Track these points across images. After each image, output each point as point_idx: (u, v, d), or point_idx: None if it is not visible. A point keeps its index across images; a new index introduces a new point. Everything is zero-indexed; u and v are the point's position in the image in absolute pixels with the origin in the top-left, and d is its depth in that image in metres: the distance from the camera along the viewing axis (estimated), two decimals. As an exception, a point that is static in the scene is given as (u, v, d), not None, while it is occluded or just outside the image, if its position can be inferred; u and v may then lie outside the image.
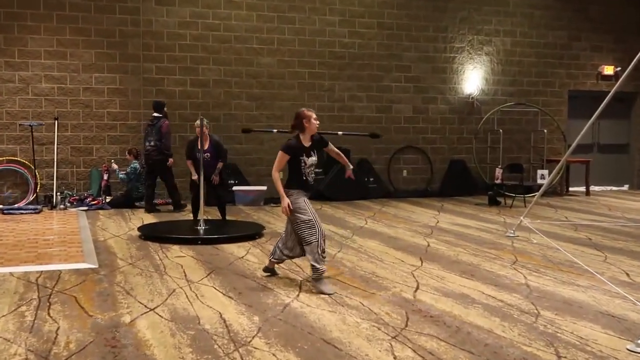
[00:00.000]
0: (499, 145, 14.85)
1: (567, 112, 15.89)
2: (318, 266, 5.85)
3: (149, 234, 8.70)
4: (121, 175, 11.85)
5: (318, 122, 6.04)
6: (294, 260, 7.37)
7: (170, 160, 11.35)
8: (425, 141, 14.72)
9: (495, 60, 15.21)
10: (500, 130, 14.82)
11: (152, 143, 11.23)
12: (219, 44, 13.13)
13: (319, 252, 5.89)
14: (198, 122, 9.46)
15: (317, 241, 5.86)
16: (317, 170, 13.39)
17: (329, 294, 5.75)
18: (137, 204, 11.80)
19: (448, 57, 14.81)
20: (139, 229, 9.06)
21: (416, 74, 14.56)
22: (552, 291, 6.10)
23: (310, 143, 6.07)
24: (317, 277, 5.90)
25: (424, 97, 14.65)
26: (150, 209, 11.30)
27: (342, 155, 6.41)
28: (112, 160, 12.29)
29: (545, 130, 15.27)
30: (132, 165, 11.86)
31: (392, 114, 14.46)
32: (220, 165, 9.61)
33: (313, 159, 6.04)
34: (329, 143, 6.31)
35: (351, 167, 6.47)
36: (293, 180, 6.02)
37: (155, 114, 11.36)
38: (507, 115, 15.31)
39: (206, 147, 9.50)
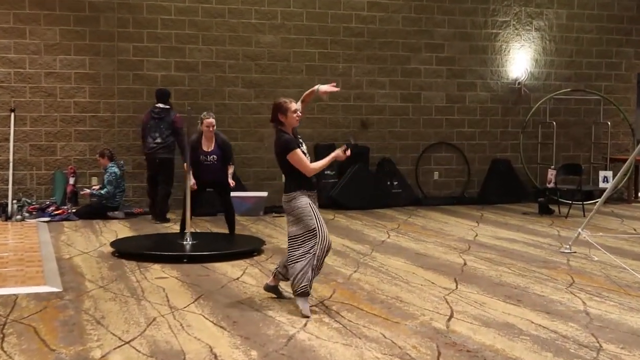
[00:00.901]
0: (551, 142, 14.80)
1: (637, 100, 15.83)
2: (304, 284, 6.06)
3: (124, 250, 8.70)
4: (100, 193, 11.78)
5: (299, 116, 6.23)
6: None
7: (185, 166, 10.07)
8: (462, 137, 14.69)
9: (548, 37, 15.18)
10: (554, 123, 14.78)
11: (158, 139, 11.38)
12: (210, 18, 13.17)
13: (315, 267, 6.07)
14: (206, 115, 9.51)
15: (316, 255, 6.02)
16: (328, 172, 13.44)
17: (306, 317, 5.96)
18: (110, 213, 11.84)
19: (489, 34, 14.78)
20: (112, 244, 9.06)
21: (450, 54, 14.54)
22: (617, 320, 6.05)
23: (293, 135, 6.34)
24: (303, 291, 6.10)
25: (459, 83, 14.63)
26: (162, 219, 11.48)
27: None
28: (93, 186, 12.22)
29: (609, 123, 15.22)
30: (109, 171, 11.85)
31: (421, 103, 14.45)
32: (231, 170, 9.75)
33: (305, 149, 6.25)
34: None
35: (323, 87, 6.62)
36: (294, 178, 6.16)
37: (161, 105, 11.51)
38: (562, 104, 15.26)
39: (212, 148, 9.55)
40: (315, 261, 6.04)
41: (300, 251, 6.05)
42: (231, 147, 9.85)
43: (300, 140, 6.29)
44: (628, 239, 10.32)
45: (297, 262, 6.07)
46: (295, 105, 6.22)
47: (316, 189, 6.31)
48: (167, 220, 11.51)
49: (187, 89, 13.08)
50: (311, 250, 6.03)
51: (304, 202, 6.07)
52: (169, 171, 11.55)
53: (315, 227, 6.01)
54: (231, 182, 9.74)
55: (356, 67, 14.01)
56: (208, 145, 9.53)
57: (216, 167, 9.52)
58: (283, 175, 6.33)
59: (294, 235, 6.11)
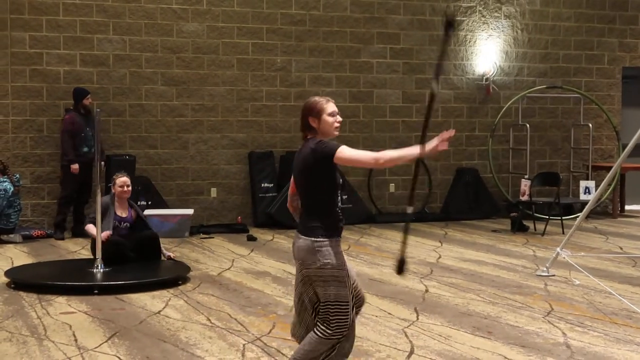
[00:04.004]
0: (525, 147, 15.01)
1: (622, 99, 16.19)
2: None
3: (22, 280, 8.60)
4: None
5: (339, 122, 5.14)
6: (233, 316, 7.38)
7: (73, 167, 12.01)
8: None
9: (519, 25, 15.44)
10: (527, 126, 15.00)
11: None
12: (122, 3, 13.09)
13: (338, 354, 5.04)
14: (119, 175, 9.63)
15: (340, 340, 4.95)
16: (265, 184, 13.52)
17: None
18: (4, 237, 11.66)
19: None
20: (7, 273, 8.93)
21: (407, 45, 14.68)
22: (602, 353, 6.18)
23: None
24: None
25: (418, 80, 14.78)
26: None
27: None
28: None
29: (591, 125, 15.51)
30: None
31: (374, 103, 14.56)
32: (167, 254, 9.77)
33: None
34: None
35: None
36: (324, 214, 4.97)
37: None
38: (536, 103, 15.53)
39: (126, 214, 9.63)
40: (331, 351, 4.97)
41: (333, 319, 4.86)
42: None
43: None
44: (614, 259, 10.54)
45: (324, 336, 4.90)
46: (334, 106, 5.12)
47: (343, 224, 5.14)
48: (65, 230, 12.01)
49: (96, 86, 12.96)
50: (344, 322, 4.89)
51: (339, 261, 4.89)
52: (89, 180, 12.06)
53: (348, 302, 4.89)
54: (172, 254, 9.81)
55: (297, 60, 14.06)
56: (122, 210, 9.55)
57: (125, 236, 9.53)
58: (301, 205, 5.12)
59: (329, 302, 4.89)
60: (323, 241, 4.84)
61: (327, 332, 4.84)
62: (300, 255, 4.90)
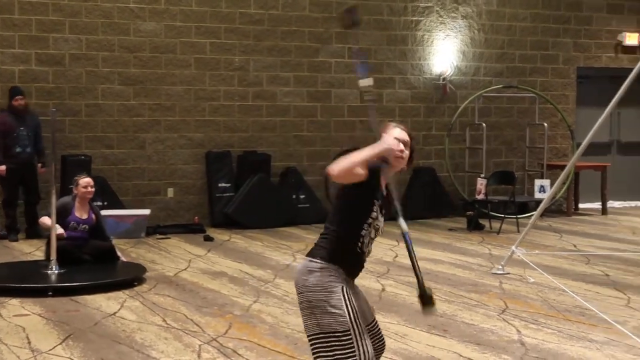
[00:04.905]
0: (481, 146, 15.09)
1: (576, 99, 16.35)
2: None
3: (-27, 282, 8.52)
4: None
5: (402, 153, 4.18)
6: (189, 317, 7.35)
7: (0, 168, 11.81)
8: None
9: (476, 25, 15.53)
10: (484, 125, 15.08)
11: (29, 149, 11.91)
12: (78, 2, 12.97)
13: None
14: (82, 175, 9.55)
15: None
16: (222, 184, 13.47)
17: None
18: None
19: (409, 22, 15.04)
20: (-40, 275, 8.86)
21: (365, 45, 14.68)
22: (555, 350, 6.24)
23: (386, 192, 4.33)
24: None
25: (376, 79, 14.70)
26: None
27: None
28: None
29: (546, 124, 15.64)
30: None
31: (332, 103, 14.56)
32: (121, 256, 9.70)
33: (382, 222, 4.28)
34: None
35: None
36: (340, 242, 4.15)
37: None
38: (492, 103, 15.64)
39: (86, 216, 9.50)
40: None
41: (328, 354, 4.01)
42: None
43: (385, 206, 4.29)
44: (568, 256, 10.65)
45: None
46: (402, 133, 4.23)
47: (356, 276, 4.34)
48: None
49: (52, 86, 12.84)
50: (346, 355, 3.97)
51: (337, 285, 4.08)
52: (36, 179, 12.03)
53: (349, 332, 3.97)
54: (123, 258, 9.72)
55: (255, 60, 14.03)
56: (82, 212, 9.44)
57: (84, 239, 9.44)
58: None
59: (315, 331, 4.07)
60: (327, 265, 4.09)
61: None
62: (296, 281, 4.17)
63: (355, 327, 3.96)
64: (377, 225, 4.15)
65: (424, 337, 6.62)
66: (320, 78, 14.48)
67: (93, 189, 9.52)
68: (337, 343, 3.94)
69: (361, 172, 3.90)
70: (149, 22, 13.36)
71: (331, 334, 3.95)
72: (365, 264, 4.26)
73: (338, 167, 3.87)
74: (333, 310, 3.97)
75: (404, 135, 4.19)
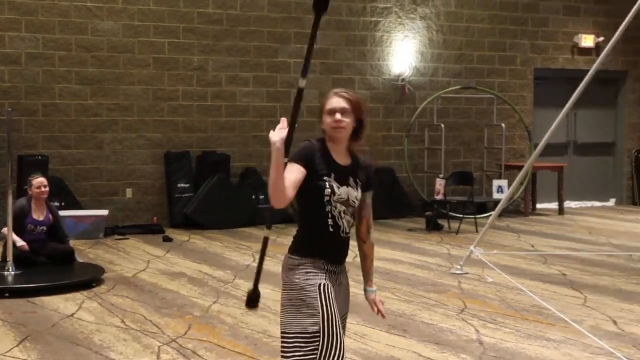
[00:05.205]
0: (440, 147, 15.17)
1: (533, 99, 16.50)
2: None
3: None
4: None
5: (337, 122, 4.30)
6: (148, 318, 7.31)
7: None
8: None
9: (435, 26, 15.61)
10: (442, 126, 15.16)
11: None
12: (35, 0, 12.86)
13: None
14: (35, 175, 9.39)
15: None
16: (181, 184, 13.38)
17: None
18: None
19: (368, 22, 15.08)
20: None
21: (324, 45, 14.72)
22: (513, 349, 6.29)
23: (349, 162, 4.27)
24: None
25: (335, 80, 14.82)
26: None
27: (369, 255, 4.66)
28: None
29: (504, 125, 15.75)
30: None
31: (291, 102, 14.48)
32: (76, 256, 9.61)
33: (348, 191, 4.14)
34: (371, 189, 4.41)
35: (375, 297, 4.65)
36: (306, 233, 4.15)
37: None
38: (451, 104, 15.73)
39: (43, 217, 9.38)
40: None
41: (297, 352, 3.88)
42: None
43: (355, 178, 4.22)
44: (525, 256, 10.74)
45: None
46: (336, 102, 4.34)
47: (340, 264, 4.28)
48: None
49: (8, 85, 12.71)
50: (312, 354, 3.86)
51: (311, 277, 4.03)
52: None
53: (316, 332, 3.87)
54: (79, 259, 9.67)
55: (214, 60, 13.99)
56: (39, 213, 9.33)
57: (42, 240, 9.35)
58: None
59: (288, 325, 3.97)
60: (298, 258, 4.10)
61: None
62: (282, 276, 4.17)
63: (327, 326, 3.87)
64: (339, 198, 4.05)
65: (384, 336, 6.64)
66: (280, 78, 14.47)
67: (47, 189, 9.40)
68: (306, 342, 3.86)
69: (290, 188, 3.92)
70: (106, 21, 13.27)
71: (302, 334, 3.87)
72: (349, 241, 4.18)
73: (272, 199, 3.82)
74: (307, 310, 3.90)
75: (341, 103, 4.26)
